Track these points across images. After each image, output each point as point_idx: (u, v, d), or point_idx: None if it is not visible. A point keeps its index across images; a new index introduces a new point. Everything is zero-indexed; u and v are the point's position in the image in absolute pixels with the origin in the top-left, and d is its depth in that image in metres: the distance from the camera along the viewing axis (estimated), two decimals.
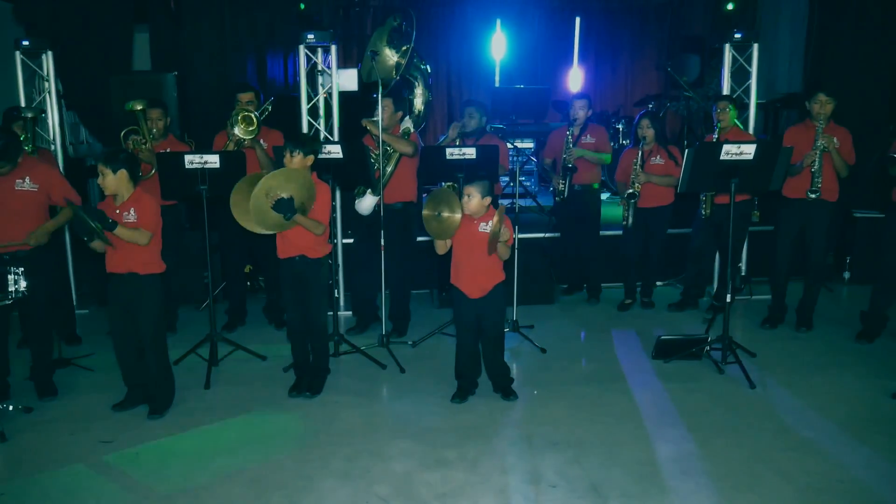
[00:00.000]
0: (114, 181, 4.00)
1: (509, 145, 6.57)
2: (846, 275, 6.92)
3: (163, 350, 4.23)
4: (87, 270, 6.25)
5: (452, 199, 4.07)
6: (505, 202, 6.14)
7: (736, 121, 5.76)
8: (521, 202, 5.80)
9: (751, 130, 6.39)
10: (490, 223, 4.02)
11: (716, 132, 5.65)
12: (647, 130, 5.81)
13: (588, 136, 6.05)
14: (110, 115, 6.42)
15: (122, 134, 5.24)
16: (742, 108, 6.38)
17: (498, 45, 9.96)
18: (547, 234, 6.65)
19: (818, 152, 5.11)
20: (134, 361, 4.22)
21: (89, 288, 6.42)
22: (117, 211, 4.02)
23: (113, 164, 3.98)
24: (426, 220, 4.10)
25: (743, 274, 6.53)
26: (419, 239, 5.74)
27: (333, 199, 5.44)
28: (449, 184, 4.80)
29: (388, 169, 5.14)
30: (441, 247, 4.18)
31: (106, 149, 5.96)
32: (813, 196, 5.18)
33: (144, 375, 4.23)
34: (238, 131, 5.13)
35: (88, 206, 4.13)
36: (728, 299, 4.80)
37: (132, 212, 4.02)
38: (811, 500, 3.27)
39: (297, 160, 4.23)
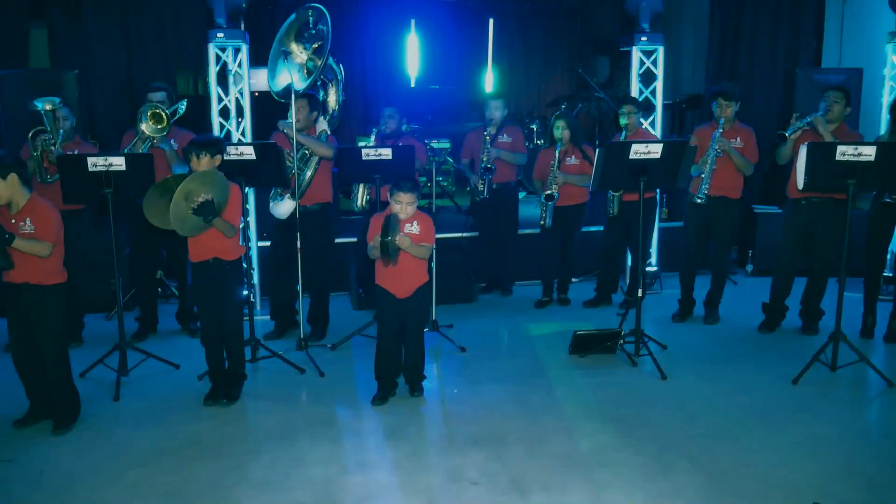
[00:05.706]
0: (5, 188, 3.72)
1: (426, 143, 6.61)
2: (749, 267, 7.26)
3: (65, 362, 4.01)
4: None
5: (394, 223, 4.01)
6: (422, 202, 6.15)
7: (642, 121, 5.95)
8: (438, 202, 5.83)
9: (658, 131, 6.62)
10: (415, 224, 4.06)
11: (622, 135, 5.80)
12: (564, 132, 5.90)
13: (504, 135, 6.14)
14: (4, 115, 6.08)
15: (30, 135, 4.96)
16: (649, 109, 6.60)
17: (413, 46, 9.98)
18: (465, 234, 6.70)
19: (710, 157, 5.28)
20: (36, 375, 3.98)
21: None
22: (13, 221, 3.76)
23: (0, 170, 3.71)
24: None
25: (653, 269, 6.77)
26: (337, 241, 5.68)
27: (247, 201, 5.32)
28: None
29: (308, 173, 5.04)
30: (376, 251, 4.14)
31: None
32: (698, 201, 5.33)
33: (47, 389, 4.00)
34: (145, 128, 4.91)
35: None
36: (639, 294, 4.97)
37: (28, 222, 3.76)
38: (720, 484, 3.40)
39: (204, 161, 4.12)
